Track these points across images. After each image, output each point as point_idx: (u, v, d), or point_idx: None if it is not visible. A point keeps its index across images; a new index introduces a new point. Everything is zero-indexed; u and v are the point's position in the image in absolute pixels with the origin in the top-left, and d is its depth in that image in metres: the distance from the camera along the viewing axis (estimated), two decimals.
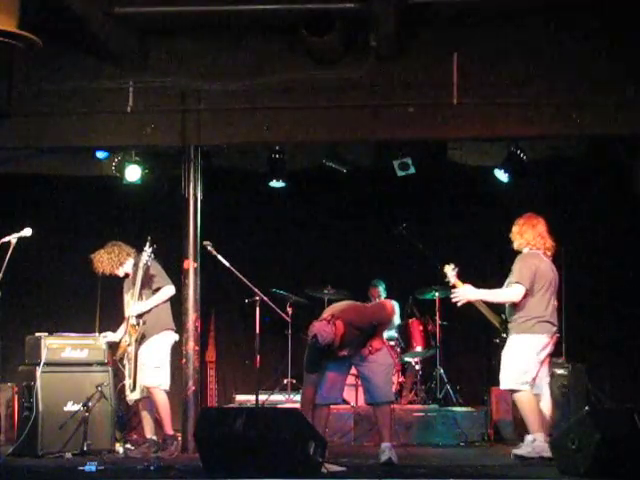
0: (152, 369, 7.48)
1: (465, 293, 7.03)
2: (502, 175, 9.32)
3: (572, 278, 9.11)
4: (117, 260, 7.65)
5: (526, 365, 6.86)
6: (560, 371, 7.97)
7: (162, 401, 7.51)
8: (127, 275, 7.77)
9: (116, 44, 7.72)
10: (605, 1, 7.35)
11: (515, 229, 7.16)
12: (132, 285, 7.62)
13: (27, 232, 7.16)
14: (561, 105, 7.74)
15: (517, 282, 6.90)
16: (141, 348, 7.47)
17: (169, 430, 7.55)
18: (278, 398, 9.30)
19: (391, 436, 6.89)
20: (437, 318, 9.31)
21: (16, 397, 8.24)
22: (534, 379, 6.88)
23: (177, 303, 7.82)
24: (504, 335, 7.06)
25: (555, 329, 6.98)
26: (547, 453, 6.55)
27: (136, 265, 7.61)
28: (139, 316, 7.46)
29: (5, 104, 8.07)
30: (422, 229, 9.47)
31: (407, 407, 8.96)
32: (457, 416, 8.50)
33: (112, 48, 7.75)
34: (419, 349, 9.27)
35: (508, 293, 6.96)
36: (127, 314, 7.59)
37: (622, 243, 9.47)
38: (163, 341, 7.58)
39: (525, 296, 6.90)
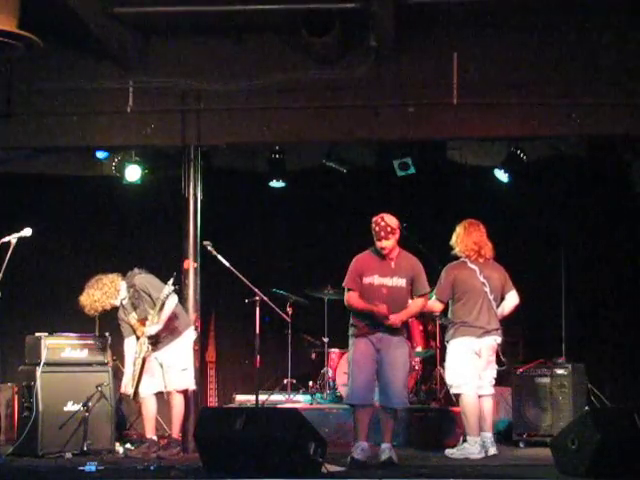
0: (179, 372, 7.45)
1: None
2: (502, 175, 9.32)
3: (572, 278, 9.15)
4: (114, 289, 7.49)
5: (455, 368, 7.16)
6: (560, 371, 7.96)
7: (180, 404, 7.49)
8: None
9: (116, 44, 7.71)
10: (605, 1, 7.35)
11: (452, 238, 7.34)
12: (132, 308, 7.49)
13: (27, 232, 7.14)
14: (561, 105, 7.73)
15: (434, 296, 7.30)
16: (164, 353, 7.42)
17: (176, 433, 7.53)
18: (278, 398, 9.28)
19: (392, 437, 6.90)
20: (437, 318, 9.29)
21: (16, 397, 8.23)
22: (473, 379, 7.10)
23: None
24: None
25: (482, 331, 7.11)
26: (474, 456, 6.95)
27: (132, 287, 7.49)
28: (151, 336, 7.37)
29: (5, 104, 8.07)
30: (422, 229, 9.46)
31: (407, 407, 8.93)
32: (457, 416, 8.48)
33: (112, 48, 7.75)
34: (419, 349, 9.25)
35: (430, 305, 7.34)
36: (144, 334, 7.38)
37: (622, 243, 9.46)
38: (184, 342, 7.55)
39: (453, 304, 7.23)
